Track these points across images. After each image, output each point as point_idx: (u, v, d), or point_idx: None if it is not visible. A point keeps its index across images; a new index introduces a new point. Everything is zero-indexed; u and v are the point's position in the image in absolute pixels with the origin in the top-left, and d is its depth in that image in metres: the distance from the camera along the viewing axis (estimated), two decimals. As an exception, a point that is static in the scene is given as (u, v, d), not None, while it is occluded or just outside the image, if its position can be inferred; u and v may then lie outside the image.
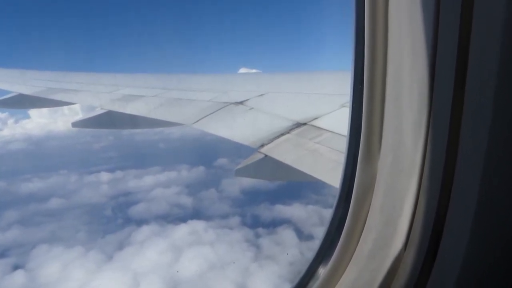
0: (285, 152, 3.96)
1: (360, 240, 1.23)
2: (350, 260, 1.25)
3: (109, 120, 6.26)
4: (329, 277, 1.27)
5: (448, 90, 0.90)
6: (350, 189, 1.24)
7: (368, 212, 1.21)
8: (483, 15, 0.79)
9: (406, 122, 1.07)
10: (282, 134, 4.27)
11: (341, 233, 1.25)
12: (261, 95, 5.72)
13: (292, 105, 5.28)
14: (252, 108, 5.22)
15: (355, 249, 1.24)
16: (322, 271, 1.33)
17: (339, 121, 4.15)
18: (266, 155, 4.03)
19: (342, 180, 1.31)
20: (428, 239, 1.04)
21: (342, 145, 3.63)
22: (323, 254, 1.35)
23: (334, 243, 1.28)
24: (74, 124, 6.56)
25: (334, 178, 3.24)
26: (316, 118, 4.38)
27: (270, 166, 4.06)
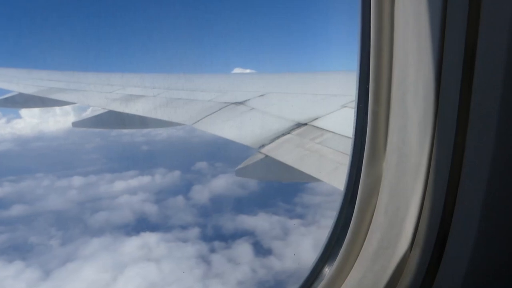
0: (285, 153, 3.96)
1: (366, 241, 1.23)
2: (355, 261, 1.25)
3: (109, 120, 6.27)
4: (334, 277, 1.27)
5: (455, 90, 0.89)
6: (355, 189, 1.23)
7: (373, 213, 1.21)
8: (491, 15, 0.79)
9: (412, 123, 1.07)
10: (283, 134, 4.27)
11: (346, 233, 1.25)
12: (262, 95, 5.72)
13: (293, 106, 5.28)
14: (253, 108, 5.22)
15: (361, 250, 1.24)
16: (327, 271, 1.33)
17: (340, 121, 4.15)
18: (266, 155, 4.03)
19: (347, 181, 1.31)
20: (433, 241, 1.04)
21: (343, 145, 3.63)
22: (328, 254, 1.35)
23: (340, 243, 1.28)
24: (75, 124, 6.58)
25: (335, 178, 3.24)
26: (316, 119, 4.37)
27: (270, 167, 4.06)
